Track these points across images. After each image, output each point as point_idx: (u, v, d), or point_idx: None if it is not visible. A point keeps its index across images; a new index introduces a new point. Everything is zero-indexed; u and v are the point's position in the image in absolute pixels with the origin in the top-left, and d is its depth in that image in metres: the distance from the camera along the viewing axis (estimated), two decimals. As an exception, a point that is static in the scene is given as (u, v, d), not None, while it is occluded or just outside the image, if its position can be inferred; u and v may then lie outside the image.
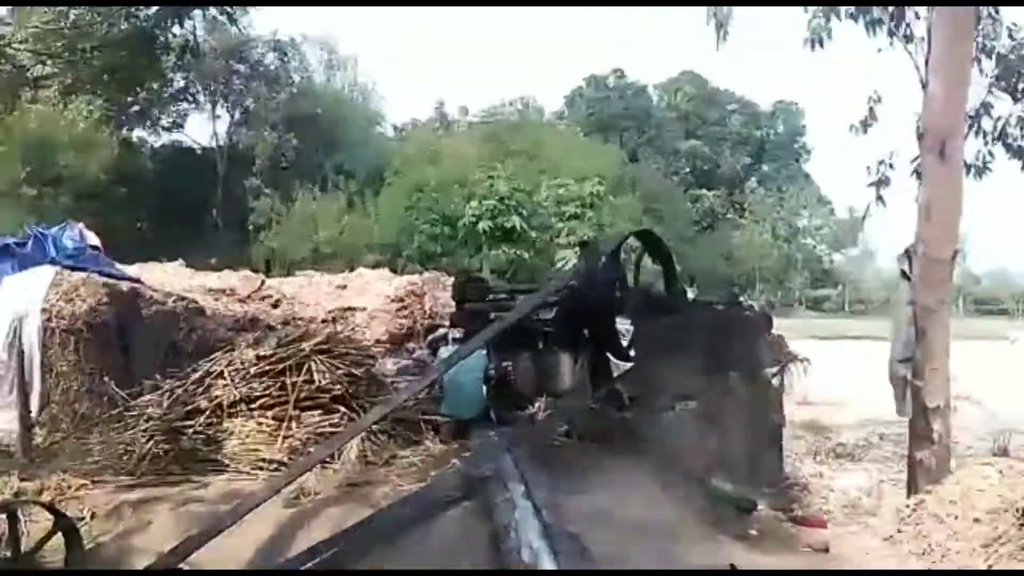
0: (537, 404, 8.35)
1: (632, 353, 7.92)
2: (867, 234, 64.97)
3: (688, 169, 65.34)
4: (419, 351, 11.17)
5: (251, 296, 15.16)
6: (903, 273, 6.48)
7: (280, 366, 7.07)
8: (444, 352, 8.00)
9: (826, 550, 5.52)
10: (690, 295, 8.43)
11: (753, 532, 5.66)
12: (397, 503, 5.46)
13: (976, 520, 5.46)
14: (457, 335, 8.27)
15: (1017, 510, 5.30)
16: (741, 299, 8.16)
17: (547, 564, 4.39)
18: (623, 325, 9.16)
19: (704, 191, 64.71)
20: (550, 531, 4.76)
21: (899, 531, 6.13)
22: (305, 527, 5.36)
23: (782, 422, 11.76)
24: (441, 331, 9.81)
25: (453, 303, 9.61)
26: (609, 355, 8.90)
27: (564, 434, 7.45)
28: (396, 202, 38.58)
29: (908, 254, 6.48)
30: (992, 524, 5.36)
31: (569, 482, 6.13)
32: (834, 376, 18.33)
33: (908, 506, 6.31)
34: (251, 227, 38.68)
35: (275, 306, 15.01)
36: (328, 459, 6.43)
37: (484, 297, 9.53)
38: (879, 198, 7.84)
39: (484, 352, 7.83)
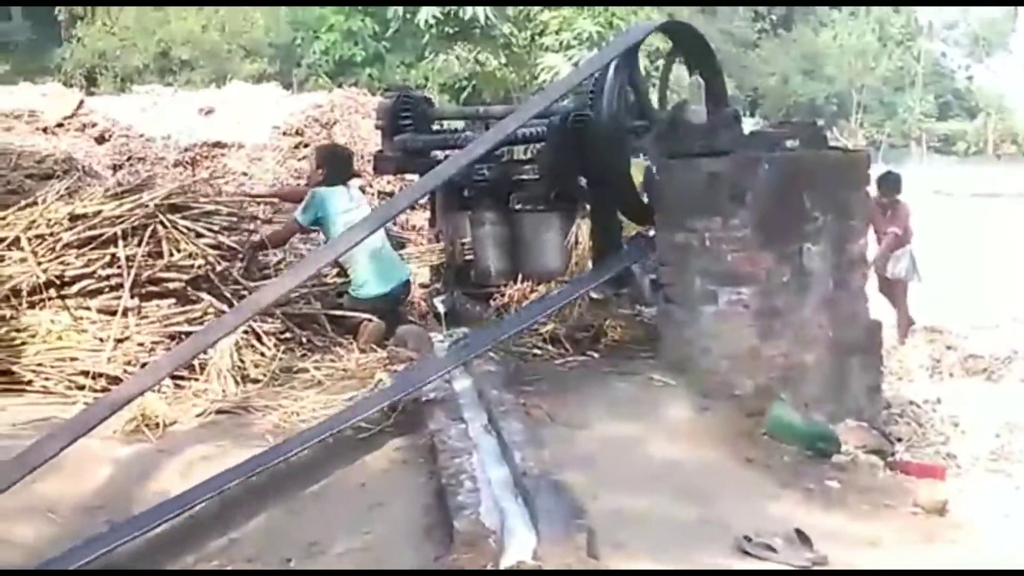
0: (509, 291, 8.33)
1: (656, 213, 7.84)
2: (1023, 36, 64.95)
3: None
4: None
5: (63, 124, 14.96)
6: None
7: (109, 232, 7.00)
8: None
9: (942, 511, 5.60)
10: (748, 126, 8.30)
11: (833, 484, 5.72)
12: (290, 440, 5.44)
13: None
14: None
15: None
16: (826, 133, 8.06)
17: (521, 531, 4.40)
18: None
19: (775, -35, 64.01)
20: (525, 482, 4.77)
21: (1055, 483, 6.26)
22: (150, 474, 5.34)
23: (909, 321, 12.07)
24: None
25: (380, 135, 9.44)
26: (620, 216, 8.85)
27: (549, 337, 7.46)
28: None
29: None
30: None
31: (557, 409, 6.15)
32: (967, 252, 18.61)
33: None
34: (61, 15, 37.76)
35: (101, 140, 14.86)
36: (186, 372, 6.40)
37: (428, 126, 9.38)
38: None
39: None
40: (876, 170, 8.74)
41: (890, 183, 12.14)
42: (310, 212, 8.04)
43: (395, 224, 8.47)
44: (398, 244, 9.06)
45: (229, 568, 4.55)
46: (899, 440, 7.22)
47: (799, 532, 4.65)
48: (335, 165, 8.29)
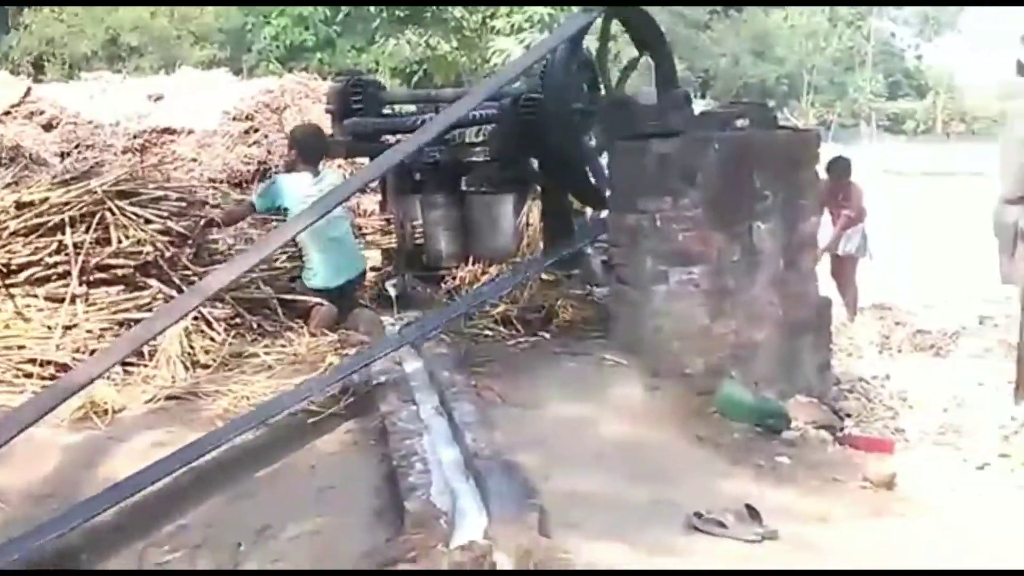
0: (460, 273, 8.32)
1: (607, 195, 7.85)
2: (971, 15, 65.47)
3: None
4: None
5: (10, 111, 14.88)
6: (1021, 67, 6.45)
7: (56, 219, 6.94)
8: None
9: (891, 485, 5.65)
10: (698, 107, 8.32)
11: (783, 459, 5.75)
12: (239, 423, 5.41)
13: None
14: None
15: None
16: (776, 113, 8.09)
17: (472, 512, 4.40)
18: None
19: (725, -55, 64.13)
20: (477, 463, 4.77)
21: (1001, 456, 6.30)
22: (100, 461, 5.28)
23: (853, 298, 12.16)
24: None
25: (330, 120, 9.40)
26: (572, 198, 8.86)
27: (500, 318, 7.46)
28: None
29: (1029, 38, 6.43)
30: None
31: (508, 390, 6.16)
32: (915, 230, 18.79)
33: (1015, 419, 6.47)
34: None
35: (49, 127, 14.77)
36: (134, 358, 6.34)
37: (379, 110, 9.34)
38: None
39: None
40: (826, 150, 8.78)
41: (840, 168, 12.13)
42: (267, 198, 7.92)
43: (346, 208, 8.38)
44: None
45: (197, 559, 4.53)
46: (848, 415, 7.28)
47: (749, 507, 4.67)
48: (306, 146, 8.17)
